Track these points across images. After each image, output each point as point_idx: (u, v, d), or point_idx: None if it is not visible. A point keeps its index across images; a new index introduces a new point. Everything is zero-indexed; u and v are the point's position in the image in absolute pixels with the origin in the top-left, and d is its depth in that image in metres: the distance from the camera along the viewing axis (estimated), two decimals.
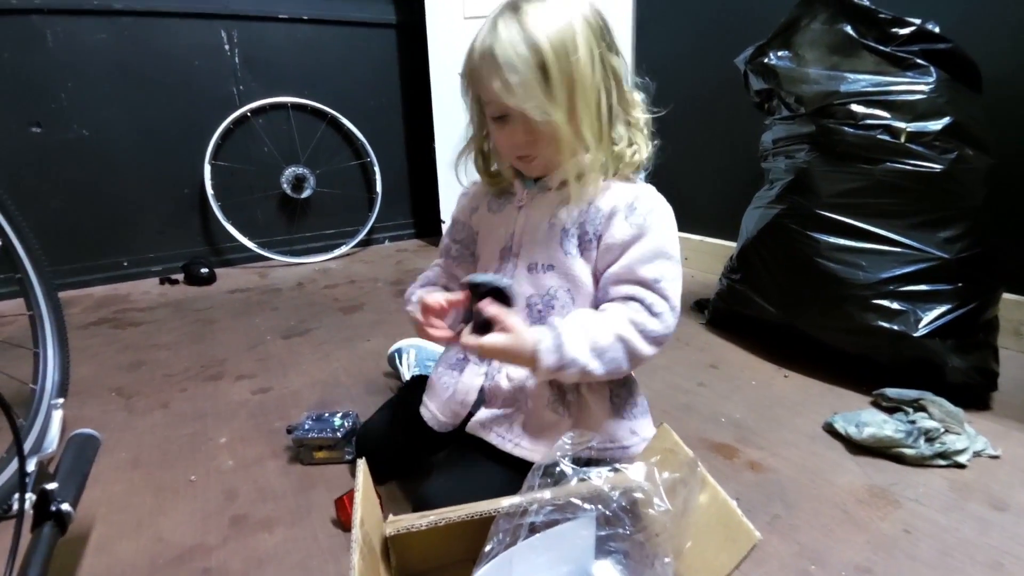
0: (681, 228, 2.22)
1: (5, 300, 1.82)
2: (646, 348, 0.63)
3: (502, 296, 0.63)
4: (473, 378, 0.74)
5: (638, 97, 0.69)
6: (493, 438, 0.71)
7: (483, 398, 0.73)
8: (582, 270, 0.68)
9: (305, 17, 2.24)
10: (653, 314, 0.64)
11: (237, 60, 2.15)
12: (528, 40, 0.59)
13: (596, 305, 0.68)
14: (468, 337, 0.63)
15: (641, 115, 0.68)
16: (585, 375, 0.62)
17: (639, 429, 0.73)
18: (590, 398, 0.70)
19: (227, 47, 2.13)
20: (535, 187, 0.72)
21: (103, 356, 1.38)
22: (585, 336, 0.62)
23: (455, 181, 0.80)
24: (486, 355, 0.70)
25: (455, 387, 0.75)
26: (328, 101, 2.32)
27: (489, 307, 0.62)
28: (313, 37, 2.28)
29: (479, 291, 0.64)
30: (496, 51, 0.60)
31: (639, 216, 0.65)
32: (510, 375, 0.71)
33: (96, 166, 1.97)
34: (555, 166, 0.67)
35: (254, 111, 2.19)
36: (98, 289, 1.98)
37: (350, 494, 0.76)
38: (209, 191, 2.11)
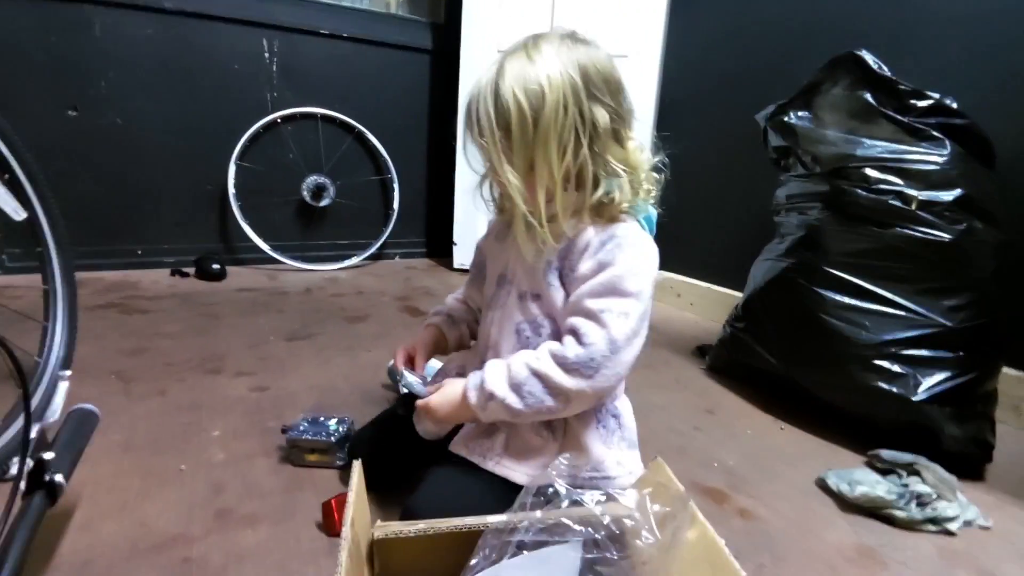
0: (690, 274, 2.23)
1: (19, 275, 1.85)
2: (567, 380, 0.63)
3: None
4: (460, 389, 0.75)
5: (631, 144, 0.68)
6: (475, 457, 0.72)
7: None
8: (562, 301, 0.70)
9: (345, 35, 2.31)
10: (582, 344, 0.63)
11: (275, 68, 2.22)
12: (496, 101, 0.63)
13: None
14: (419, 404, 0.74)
15: (628, 162, 0.67)
16: (508, 411, 0.66)
17: (626, 461, 0.73)
18: (575, 423, 0.71)
19: (267, 55, 2.20)
20: None
21: (107, 339, 1.39)
22: (505, 372, 0.66)
23: (470, 205, 0.83)
24: (439, 417, 0.73)
25: None
26: (357, 116, 2.38)
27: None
28: (351, 54, 2.35)
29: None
30: (470, 105, 0.67)
31: (605, 253, 0.66)
32: None
33: (125, 154, 2.02)
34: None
35: (285, 118, 2.25)
36: (110, 274, 2.01)
37: (338, 499, 0.76)
38: (231, 190, 2.15)
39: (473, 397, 0.67)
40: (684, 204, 2.13)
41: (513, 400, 0.65)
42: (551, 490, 0.51)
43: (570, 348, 0.64)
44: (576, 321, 0.65)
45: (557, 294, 0.70)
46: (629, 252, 0.66)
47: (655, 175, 0.72)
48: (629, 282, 0.64)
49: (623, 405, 0.75)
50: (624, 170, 0.67)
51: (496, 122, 0.63)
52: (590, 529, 0.49)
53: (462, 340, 0.89)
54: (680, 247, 2.13)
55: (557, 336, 0.70)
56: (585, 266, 0.67)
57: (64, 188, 1.90)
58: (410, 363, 0.84)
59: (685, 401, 1.27)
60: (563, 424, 0.71)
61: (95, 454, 0.89)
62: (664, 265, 2.20)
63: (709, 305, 1.95)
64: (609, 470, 0.70)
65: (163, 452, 0.92)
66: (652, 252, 0.68)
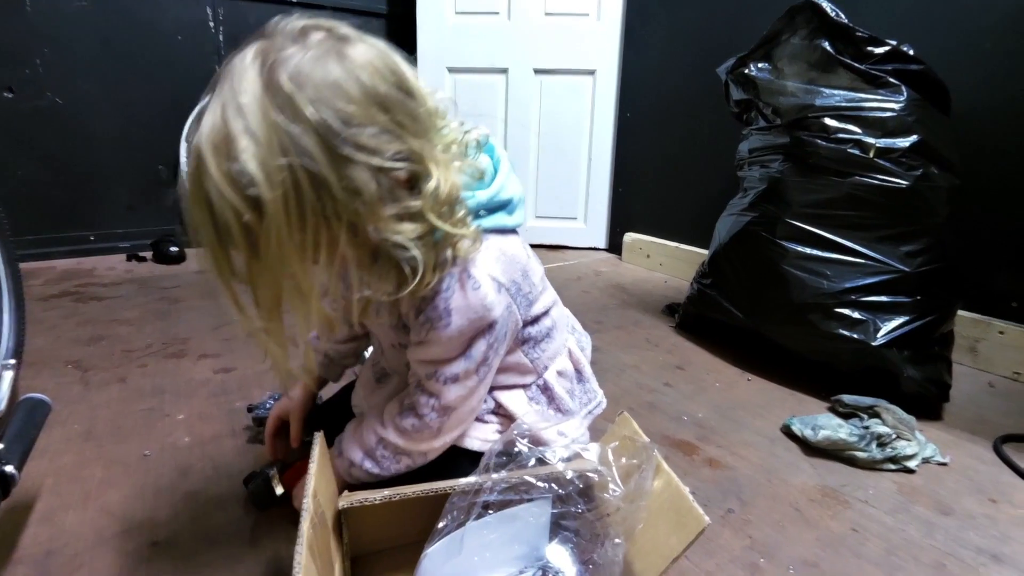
0: (658, 235, 2.22)
1: None
2: (411, 445, 0.63)
3: None
4: None
5: (430, 184, 0.50)
6: None
7: None
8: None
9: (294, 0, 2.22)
10: (417, 414, 0.63)
11: (221, 38, 2.12)
12: (210, 212, 0.45)
13: None
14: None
15: (423, 215, 0.50)
16: (370, 474, 0.64)
17: (568, 430, 0.70)
18: (505, 401, 0.69)
19: (212, 24, 2.09)
20: None
21: (61, 329, 1.34)
22: (359, 439, 0.66)
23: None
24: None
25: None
26: None
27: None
28: None
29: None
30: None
31: (423, 322, 0.59)
32: None
33: (68, 136, 1.92)
34: None
35: None
36: (61, 262, 1.92)
37: (296, 468, 0.75)
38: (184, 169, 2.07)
39: (338, 465, 0.66)
40: (650, 164, 2.13)
41: (370, 465, 0.64)
42: (515, 450, 0.51)
43: (407, 418, 0.63)
44: (413, 388, 0.64)
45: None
46: (445, 320, 0.57)
47: (471, 150, 0.58)
48: (450, 348, 0.59)
49: (553, 375, 0.71)
50: (416, 238, 0.50)
51: (217, 243, 0.46)
52: (555, 485, 0.50)
53: (347, 369, 0.86)
54: (648, 207, 2.14)
55: None
56: (413, 332, 0.61)
57: (4, 174, 1.80)
58: (283, 435, 0.80)
59: (655, 359, 1.28)
60: (495, 402, 0.69)
61: (54, 445, 0.87)
62: (632, 226, 2.20)
63: (678, 264, 1.96)
64: (551, 443, 0.66)
65: (126, 439, 0.90)
66: (479, 299, 0.57)
